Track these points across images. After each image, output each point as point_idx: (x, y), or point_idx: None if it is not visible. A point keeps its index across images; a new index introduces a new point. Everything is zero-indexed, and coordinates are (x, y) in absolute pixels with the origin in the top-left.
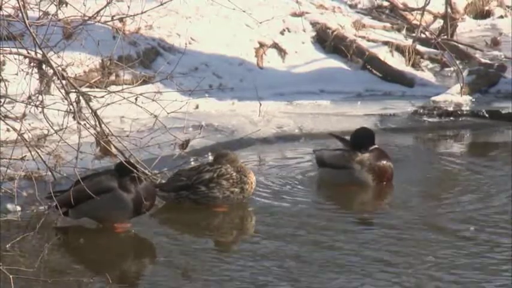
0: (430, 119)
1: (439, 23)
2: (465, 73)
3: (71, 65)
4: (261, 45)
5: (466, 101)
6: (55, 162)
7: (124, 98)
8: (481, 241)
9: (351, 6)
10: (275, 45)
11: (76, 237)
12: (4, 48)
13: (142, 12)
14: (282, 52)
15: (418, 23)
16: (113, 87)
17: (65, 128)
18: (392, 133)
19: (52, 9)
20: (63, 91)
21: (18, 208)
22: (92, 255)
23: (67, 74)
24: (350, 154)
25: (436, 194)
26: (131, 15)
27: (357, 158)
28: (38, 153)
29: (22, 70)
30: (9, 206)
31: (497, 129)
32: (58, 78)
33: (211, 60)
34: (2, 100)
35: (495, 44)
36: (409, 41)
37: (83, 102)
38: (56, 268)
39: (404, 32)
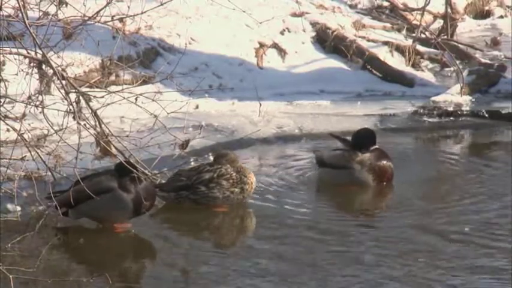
0: (430, 119)
1: (439, 23)
2: (465, 73)
3: (70, 65)
4: (261, 45)
5: (466, 101)
6: (55, 162)
7: (124, 98)
8: (481, 243)
9: (351, 6)
10: (275, 45)
11: (76, 237)
12: (4, 48)
13: (142, 13)
14: (282, 52)
15: (418, 23)
16: (112, 87)
17: (65, 128)
18: (393, 133)
19: (52, 9)
20: (63, 91)
21: (18, 208)
22: (92, 255)
23: (67, 74)
24: (350, 154)
25: (436, 195)
26: (131, 16)
27: (357, 158)
28: (37, 153)
29: (22, 70)
30: (9, 206)
31: (497, 129)
32: (58, 79)
33: (211, 60)
34: (2, 100)
35: (495, 44)
36: (409, 41)
37: (82, 103)
38: (56, 268)
39: (404, 32)
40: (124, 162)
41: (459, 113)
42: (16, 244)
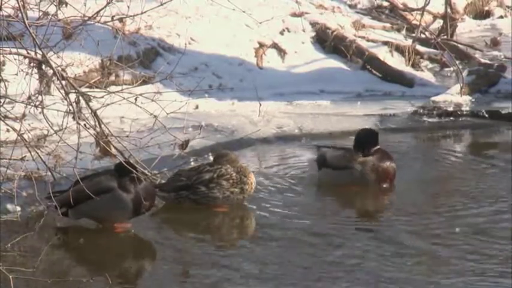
0: (430, 119)
1: (439, 23)
2: (465, 73)
3: (70, 65)
4: (261, 45)
5: (466, 101)
6: (55, 162)
7: (124, 98)
8: (480, 245)
9: (350, 6)
10: (275, 45)
11: (76, 237)
12: (4, 49)
13: (142, 13)
14: (281, 52)
15: (418, 23)
16: (112, 88)
17: (65, 129)
18: (392, 133)
19: (52, 9)
20: (62, 91)
21: (18, 208)
22: (92, 255)
23: (67, 74)
24: (351, 154)
25: (436, 196)
26: (131, 16)
27: (359, 159)
28: (37, 153)
29: (22, 70)
30: (9, 206)
31: (497, 129)
32: (58, 79)
33: (211, 60)
34: (2, 100)
35: (495, 44)
36: (409, 41)
37: (82, 103)
38: (56, 268)
39: (404, 32)
40: (124, 163)
41: (459, 113)
42: (16, 244)
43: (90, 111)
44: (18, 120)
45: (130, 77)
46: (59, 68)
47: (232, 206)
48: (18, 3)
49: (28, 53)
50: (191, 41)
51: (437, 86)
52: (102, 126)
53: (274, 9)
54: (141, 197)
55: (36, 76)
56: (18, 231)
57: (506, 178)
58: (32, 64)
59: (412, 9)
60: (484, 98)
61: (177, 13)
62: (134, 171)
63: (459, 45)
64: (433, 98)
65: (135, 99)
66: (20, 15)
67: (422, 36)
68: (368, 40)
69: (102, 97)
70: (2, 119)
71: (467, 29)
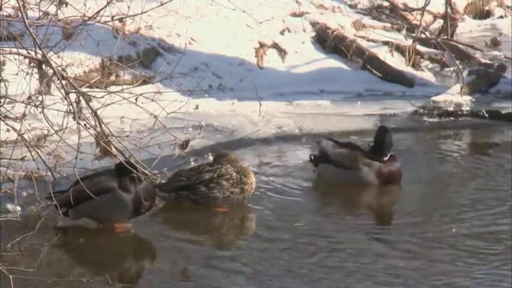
0: (430, 119)
1: (439, 23)
2: (465, 73)
3: (70, 65)
4: (261, 45)
5: (466, 101)
6: (55, 162)
7: (124, 98)
8: (479, 247)
9: (350, 6)
10: (275, 45)
11: (76, 237)
12: (4, 48)
13: (142, 13)
14: (282, 52)
15: (418, 23)
16: (112, 88)
17: (65, 128)
18: (393, 133)
19: (52, 9)
20: (63, 91)
21: (18, 208)
22: (92, 255)
23: (67, 74)
24: (356, 154)
25: (436, 196)
26: (131, 15)
27: (365, 160)
28: (38, 153)
29: (22, 70)
30: (9, 206)
31: (497, 129)
32: (58, 79)
33: (211, 60)
34: (2, 100)
35: (495, 44)
36: (409, 41)
37: (83, 103)
38: (56, 268)
39: (404, 32)
40: (124, 162)
41: (459, 113)
42: (16, 244)
43: (90, 111)
44: (18, 120)
45: (130, 77)
46: (59, 68)
47: (232, 206)
48: (18, 3)
49: (28, 53)
50: (191, 41)
51: (438, 86)
52: (103, 126)
53: (275, 9)
54: (141, 197)
55: (37, 76)
56: (18, 231)
57: (507, 178)
58: (32, 64)
59: (412, 9)
60: (484, 98)
61: (177, 13)
62: (134, 171)
63: (459, 45)
64: (433, 98)
65: (135, 99)
66: (20, 15)
67: (423, 36)
68: (368, 40)
69: (103, 97)
70: (2, 119)
71: (468, 29)
